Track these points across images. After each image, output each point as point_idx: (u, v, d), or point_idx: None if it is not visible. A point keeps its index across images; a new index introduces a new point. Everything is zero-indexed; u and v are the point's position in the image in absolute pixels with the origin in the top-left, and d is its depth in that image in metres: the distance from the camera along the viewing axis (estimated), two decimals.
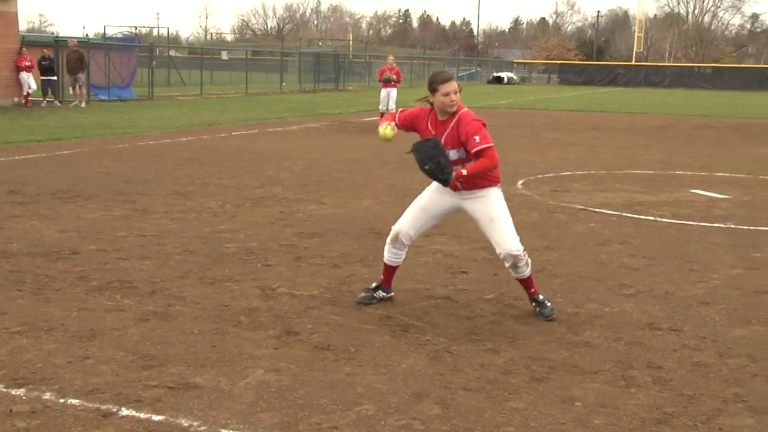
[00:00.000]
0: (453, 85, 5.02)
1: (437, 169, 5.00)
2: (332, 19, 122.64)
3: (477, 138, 4.98)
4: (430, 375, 4.29)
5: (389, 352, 4.61)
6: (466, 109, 5.14)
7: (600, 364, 4.52)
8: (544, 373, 4.35)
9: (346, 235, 7.75)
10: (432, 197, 5.37)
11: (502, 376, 4.29)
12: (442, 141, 5.05)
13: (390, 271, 5.53)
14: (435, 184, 5.29)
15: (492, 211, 5.16)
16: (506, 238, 5.11)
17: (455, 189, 5.20)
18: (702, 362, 4.60)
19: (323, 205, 9.37)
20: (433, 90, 5.08)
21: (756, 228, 8.66)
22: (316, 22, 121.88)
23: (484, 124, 5.09)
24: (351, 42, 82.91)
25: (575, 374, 4.35)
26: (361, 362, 4.44)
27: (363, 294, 5.56)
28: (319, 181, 11.19)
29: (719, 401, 4.06)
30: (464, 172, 5.00)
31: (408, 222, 5.37)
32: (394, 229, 5.41)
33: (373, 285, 5.59)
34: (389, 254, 5.46)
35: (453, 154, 5.08)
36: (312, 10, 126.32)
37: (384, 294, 5.55)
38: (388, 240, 5.44)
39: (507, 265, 5.22)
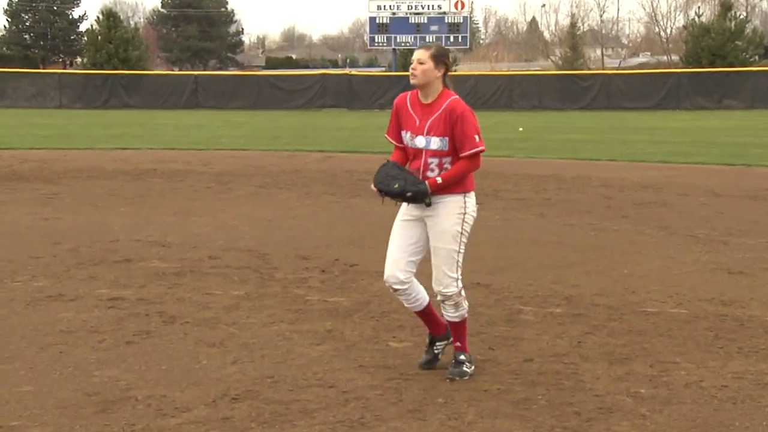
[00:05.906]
0: (416, 54, 4.33)
1: (409, 184, 4.27)
2: None
3: (477, 138, 4.27)
4: None
5: None
6: (455, 96, 4.34)
7: None
8: None
9: None
10: (402, 227, 4.49)
11: None
12: (426, 127, 4.33)
13: (422, 316, 4.63)
14: (402, 210, 4.52)
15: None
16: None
17: (429, 205, 4.32)
18: None
19: None
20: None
21: None
22: None
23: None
24: None
25: None
26: None
27: (424, 357, 4.66)
28: None
29: None
30: (439, 180, 4.28)
31: (391, 265, 4.45)
32: (385, 280, 4.51)
33: (427, 341, 4.69)
34: (405, 303, 4.59)
35: (435, 143, 4.32)
36: None
37: (441, 343, 4.63)
38: (391, 292, 4.62)
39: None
